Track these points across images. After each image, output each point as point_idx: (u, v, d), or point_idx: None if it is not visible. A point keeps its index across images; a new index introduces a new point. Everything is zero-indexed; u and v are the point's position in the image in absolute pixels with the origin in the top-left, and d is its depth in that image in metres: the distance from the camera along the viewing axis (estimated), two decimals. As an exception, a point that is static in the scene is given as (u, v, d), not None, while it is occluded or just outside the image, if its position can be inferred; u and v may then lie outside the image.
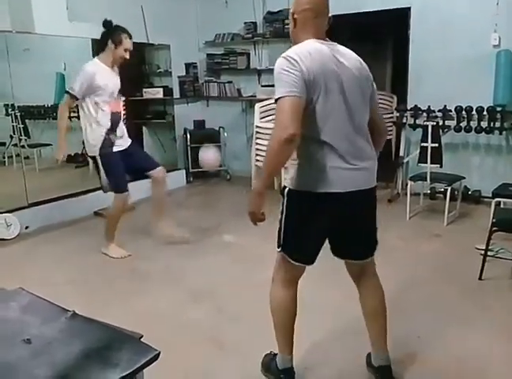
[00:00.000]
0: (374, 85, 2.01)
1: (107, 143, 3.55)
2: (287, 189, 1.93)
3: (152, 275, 3.38)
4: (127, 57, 3.50)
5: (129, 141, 3.74)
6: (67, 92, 3.47)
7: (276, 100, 1.74)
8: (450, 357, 2.33)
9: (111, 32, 3.45)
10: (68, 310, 1.65)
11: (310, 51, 1.79)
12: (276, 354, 2.15)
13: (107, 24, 3.47)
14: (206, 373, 2.24)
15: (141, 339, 1.58)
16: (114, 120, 3.58)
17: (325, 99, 1.78)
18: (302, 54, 1.76)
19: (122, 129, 3.68)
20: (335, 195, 1.83)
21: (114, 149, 3.59)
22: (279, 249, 1.98)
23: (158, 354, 1.47)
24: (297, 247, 1.95)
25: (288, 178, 1.95)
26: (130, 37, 3.49)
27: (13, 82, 4.51)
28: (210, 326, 2.66)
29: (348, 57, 1.90)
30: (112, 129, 3.57)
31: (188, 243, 3.86)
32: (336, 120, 1.81)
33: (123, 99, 3.77)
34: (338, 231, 1.97)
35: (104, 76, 3.48)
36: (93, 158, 3.57)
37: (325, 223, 1.90)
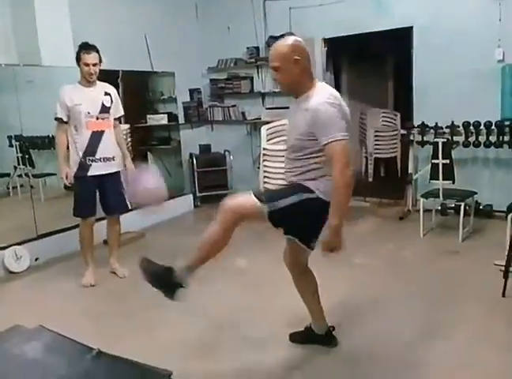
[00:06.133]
0: None
1: (83, 166, 3.56)
2: (317, 197, 2.18)
3: (168, 303, 3.29)
4: (92, 72, 3.49)
5: (113, 168, 3.66)
6: (55, 119, 3.58)
7: (331, 142, 2.05)
8: (481, 375, 2.26)
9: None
10: (92, 348, 1.59)
11: (338, 96, 2.19)
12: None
13: None
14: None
15: (171, 377, 1.52)
16: (93, 140, 3.55)
17: None
18: (340, 101, 2.16)
19: (105, 150, 3.59)
20: None
21: (89, 173, 3.57)
22: (259, 200, 2.18)
23: (190, 393, 1.41)
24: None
25: (319, 189, 2.20)
26: (89, 51, 3.48)
27: (19, 113, 4.51)
28: (236, 356, 2.57)
29: None
30: (89, 151, 3.54)
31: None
32: None
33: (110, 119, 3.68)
34: None
35: (76, 96, 3.51)
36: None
37: None
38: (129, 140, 5.63)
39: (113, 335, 2.76)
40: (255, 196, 2.17)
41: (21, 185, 5.02)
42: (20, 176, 5.02)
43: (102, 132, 3.58)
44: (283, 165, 2.42)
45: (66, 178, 3.59)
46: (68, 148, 3.63)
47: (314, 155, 2.16)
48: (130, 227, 4.78)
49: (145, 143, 6.38)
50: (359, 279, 3.55)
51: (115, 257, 3.90)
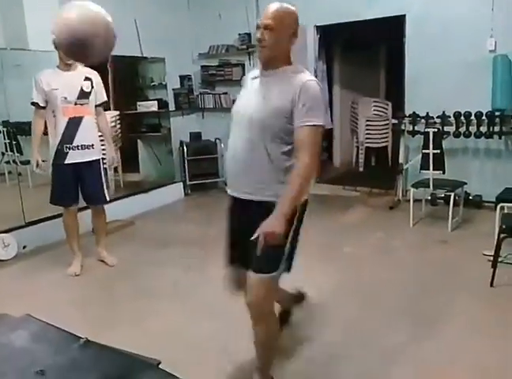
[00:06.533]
0: None
1: (60, 154, 3.48)
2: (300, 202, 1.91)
3: (159, 292, 3.29)
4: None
5: (91, 156, 3.54)
6: (31, 104, 3.48)
7: (309, 126, 1.82)
8: (475, 368, 2.27)
9: None
10: (80, 337, 1.57)
11: None
12: None
13: None
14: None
15: (159, 366, 1.51)
16: (71, 127, 3.44)
17: None
18: None
19: (83, 138, 3.46)
20: None
21: (66, 161, 3.48)
22: (276, 272, 1.91)
23: (179, 382, 1.40)
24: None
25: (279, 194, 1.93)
26: None
27: (5, 98, 4.43)
28: (226, 345, 2.55)
29: None
30: (66, 139, 3.45)
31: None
32: None
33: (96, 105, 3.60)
34: None
35: (53, 80, 3.42)
36: None
37: None
38: (118, 127, 5.57)
39: (101, 325, 2.74)
40: (263, 271, 1.91)
41: (9, 172, 4.95)
42: (7, 163, 4.95)
43: (80, 118, 3.47)
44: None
45: (37, 166, 3.51)
46: (46, 134, 3.54)
47: (285, 137, 1.89)
48: (119, 214, 4.75)
49: (135, 130, 6.32)
50: (348, 268, 3.56)
51: (103, 245, 3.86)
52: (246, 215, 1.98)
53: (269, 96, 1.90)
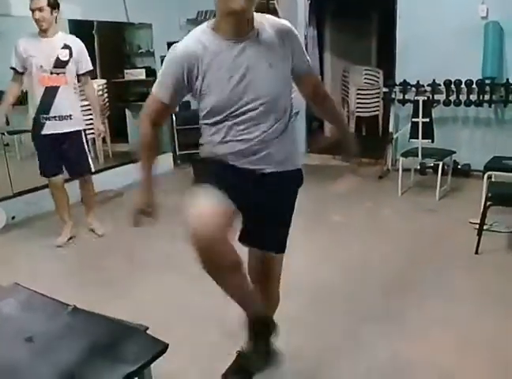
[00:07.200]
0: None
1: (36, 124, 3.42)
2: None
3: (149, 262, 3.30)
4: (37, 17, 3.26)
5: (70, 128, 3.45)
6: (10, 68, 3.41)
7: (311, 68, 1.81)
8: (460, 334, 2.31)
9: None
10: (68, 305, 1.59)
11: None
12: None
13: None
14: (216, 359, 2.16)
15: (147, 331, 1.53)
16: (47, 96, 3.36)
17: None
18: None
19: (60, 108, 3.38)
20: None
21: (43, 132, 3.42)
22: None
23: (166, 347, 1.42)
24: None
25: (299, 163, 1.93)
26: None
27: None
28: (217, 313, 2.56)
29: None
30: (42, 109, 3.38)
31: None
32: None
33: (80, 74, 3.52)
34: None
35: (31, 47, 3.33)
36: None
37: None
38: (106, 96, 5.47)
39: (89, 294, 2.76)
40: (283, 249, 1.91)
41: (-5, 142, 4.87)
42: (-7, 133, 4.86)
43: (56, 88, 3.38)
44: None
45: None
46: (22, 102, 3.51)
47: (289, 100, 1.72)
48: (108, 185, 4.73)
49: (123, 99, 6.21)
50: (337, 237, 3.60)
51: (92, 216, 3.85)
52: (262, 188, 1.75)
53: (273, 62, 1.63)
